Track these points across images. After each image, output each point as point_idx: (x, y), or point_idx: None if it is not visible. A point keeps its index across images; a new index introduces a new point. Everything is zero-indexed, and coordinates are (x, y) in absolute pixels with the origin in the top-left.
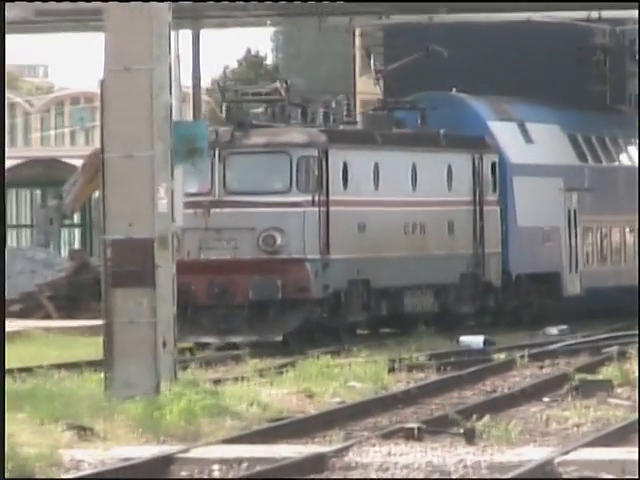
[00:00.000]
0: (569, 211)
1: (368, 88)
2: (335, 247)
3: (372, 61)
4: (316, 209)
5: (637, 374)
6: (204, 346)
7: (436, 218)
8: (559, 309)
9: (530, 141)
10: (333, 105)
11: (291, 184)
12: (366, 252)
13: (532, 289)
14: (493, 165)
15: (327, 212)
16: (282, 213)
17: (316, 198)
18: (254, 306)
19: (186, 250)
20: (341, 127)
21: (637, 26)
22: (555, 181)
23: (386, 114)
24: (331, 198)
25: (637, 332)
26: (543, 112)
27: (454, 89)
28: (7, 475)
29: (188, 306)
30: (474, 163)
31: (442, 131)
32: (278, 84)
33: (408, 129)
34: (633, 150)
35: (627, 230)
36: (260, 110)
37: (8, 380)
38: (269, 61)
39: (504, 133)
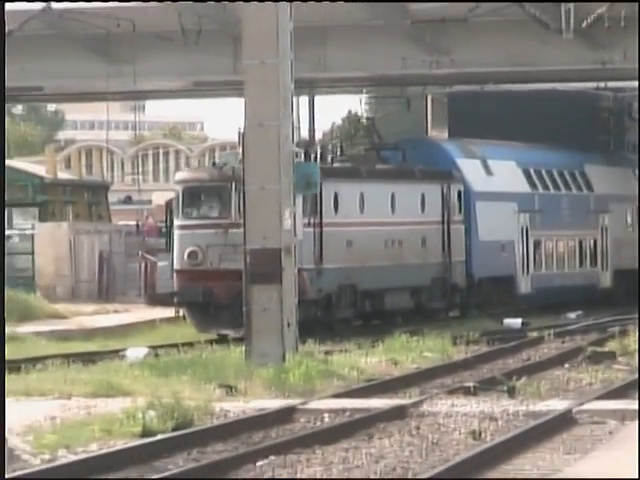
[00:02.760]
0: (522, 228)
1: (438, 136)
2: (327, 259)
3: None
4: (311, 229)
5: (634, 347)
6: None
7: (411, 234)
8: (514, 304)
9: (490, 174)
10: (329, 147)
11: None
12: (353, 262)
13: (492, 289)
14: (459, 193)
15: (321, 231)
16: None
17: (312, 220)
18: None
19: (209, 261)
20: (335, 164)
21: (635, 93)
22: (510, 205)
23: (374, 153)
24: (324, 220)
25: (634, 316)
26: (502, 151)
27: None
28: (171, 424)
29: (211, 305)
30: (443, 191)
31: (418, 166)
32: None
33: (390, 165)
34: (575, 180)
35: (569, 242)
36: None
37: (175, 352)
38: (364, 119)
39: (469, 168)
